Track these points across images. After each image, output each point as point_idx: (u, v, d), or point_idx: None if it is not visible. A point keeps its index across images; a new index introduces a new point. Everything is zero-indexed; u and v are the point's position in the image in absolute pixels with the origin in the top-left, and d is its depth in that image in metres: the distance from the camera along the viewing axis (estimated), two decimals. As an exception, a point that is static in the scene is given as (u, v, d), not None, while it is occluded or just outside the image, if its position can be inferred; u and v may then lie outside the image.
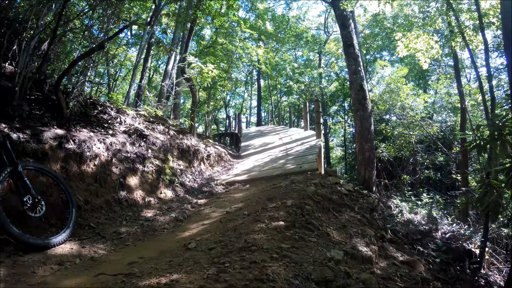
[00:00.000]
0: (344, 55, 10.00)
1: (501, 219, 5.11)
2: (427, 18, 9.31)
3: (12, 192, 2.50)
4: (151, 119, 5.57)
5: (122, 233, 2.96)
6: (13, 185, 2.50)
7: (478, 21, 7.65)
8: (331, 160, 20.11)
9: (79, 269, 2.15)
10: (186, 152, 5.48)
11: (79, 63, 4.37)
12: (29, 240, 2.27)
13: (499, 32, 9.64)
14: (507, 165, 3.05)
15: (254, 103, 27.18)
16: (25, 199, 2.41)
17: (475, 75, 9.14)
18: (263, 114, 25.11)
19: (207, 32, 18.73)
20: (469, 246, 4.49)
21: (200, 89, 11.33)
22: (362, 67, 8.95)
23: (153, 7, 7.20)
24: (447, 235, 4.89)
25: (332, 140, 23.40)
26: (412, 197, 8.12)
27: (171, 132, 5.53)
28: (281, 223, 2.52)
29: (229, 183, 5.03)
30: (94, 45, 4.22)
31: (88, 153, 3.41)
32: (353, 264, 2.27)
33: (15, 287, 1.87)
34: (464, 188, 7.15)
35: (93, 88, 6.25)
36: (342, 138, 20.52)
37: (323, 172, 5.58)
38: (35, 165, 2.71)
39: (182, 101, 19.29)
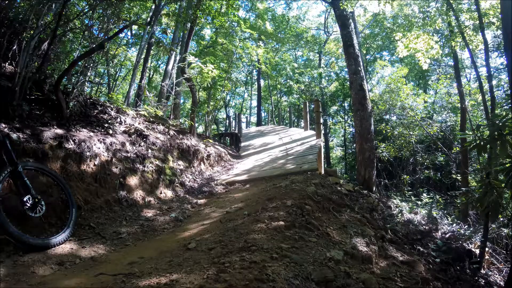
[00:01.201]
0: (344, 55, 9.98)
1: (501, 219, 5.12)
2: (427, 18, 9.30)
3: (12, 192, 2.50)
4: (151, 119, 5.57)
5: (122, 233, 2.96)
6: (13, 185, 2.50)
7: (478, 21, 7.65)
8: (331, 160, 20.10)
9: (79, 269, 2.15)
10: (186, 152, 5.48)
11: (79, 63, 4.38)
12: (29, 240, 2.28)
13: (499, 32, 9.63)
14: (507, 165, 3.05)
15: (254, 103, 27.23)
16: (25, 199, 2.41)
17: (475, 75, 9.15)
18: (263, 114, 25.12)
19: (207, 32, 18.74)
20: (469, 246, 4.48)
21: (200, 89, 11.31)
22: (362, 67, 8.93)
23: (153, 7, 7.20)
24: (447, 235, 4.88)
25: (332, 140, 23.39)
26: (412, 197, 8.11)
27: (171, 132, 5.53)
28: (281, 223, 2.52)
29: (229, 183, 5.03)
30: (94, 45, 4.23)
31: (88, 153, 3.41)
32: (353, 264, 2.27)
33: (15, 287, 1.87)
34: (464, 188, 7.14)
35: (93, 88, 6.26)
36: (342, 138, 20.53)
37: (323, 172, 5.57)
38: (35, 165, 2.71)
39: (182, 101, 19.29)
